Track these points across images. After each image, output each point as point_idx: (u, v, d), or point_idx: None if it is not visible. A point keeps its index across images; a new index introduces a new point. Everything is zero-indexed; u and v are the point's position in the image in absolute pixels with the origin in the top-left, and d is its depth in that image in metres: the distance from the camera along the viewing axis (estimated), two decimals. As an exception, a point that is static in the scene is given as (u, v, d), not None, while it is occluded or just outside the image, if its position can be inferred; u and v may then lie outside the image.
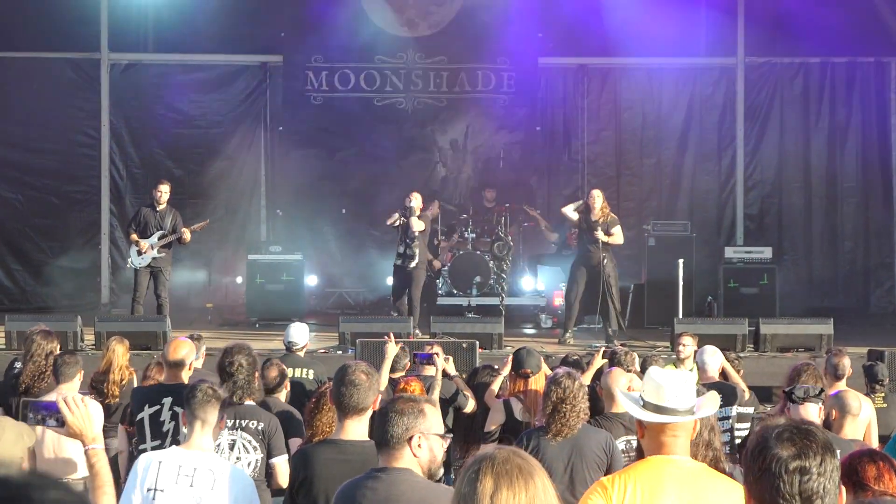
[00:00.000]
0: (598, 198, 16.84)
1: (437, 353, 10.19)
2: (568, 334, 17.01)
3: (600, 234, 16.59)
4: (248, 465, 7.65)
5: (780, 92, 22.12)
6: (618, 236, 16.80)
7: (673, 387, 4.88)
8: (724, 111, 22.20)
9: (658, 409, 4.86)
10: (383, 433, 4.96)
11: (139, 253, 16.90)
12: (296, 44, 21.85)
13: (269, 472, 7.76)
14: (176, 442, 7.42)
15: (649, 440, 4.91)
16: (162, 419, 7.85)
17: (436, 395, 9.35)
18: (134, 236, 17.05)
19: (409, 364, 11.11)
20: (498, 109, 21.98)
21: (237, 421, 7.72)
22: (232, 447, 7.68)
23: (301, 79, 21.87)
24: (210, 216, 21.49)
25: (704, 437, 5.71)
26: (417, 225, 17.07)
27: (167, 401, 7.86)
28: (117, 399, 10.39)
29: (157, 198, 17.07)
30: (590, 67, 22.31)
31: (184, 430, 7.58)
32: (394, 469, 4.93)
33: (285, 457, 7.70)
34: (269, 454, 7.74)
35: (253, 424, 7.75)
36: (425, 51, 21.90)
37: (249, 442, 7.71)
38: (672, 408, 4.85)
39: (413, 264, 17.15)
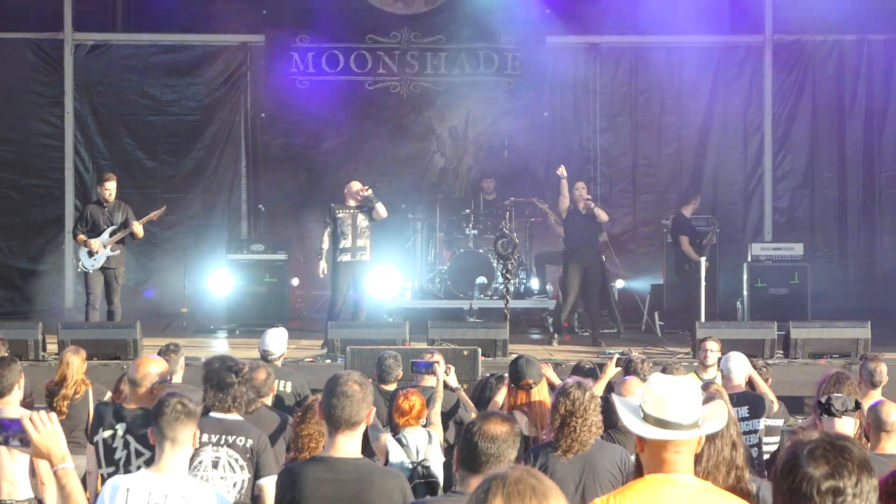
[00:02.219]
0: (584, 188, 18.05)
1: (437, 362, 10.18)
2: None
3: (602, 214, 17.80)
4: (234, 485, 7.61)
5: (811, 73, 22.11)
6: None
7: (676, 398, 4.81)
8: (750, 94, 22.18)
9: (660, 423, 4.78)
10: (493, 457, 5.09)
11: (90, 254, 16.94)
12: (280, 22, 21.85)
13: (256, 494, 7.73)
14: (129, 472, 7.39)
15: (649, 456, 4.83)
16: (114, 446, 7.78)
17: (437, 409, 9.34)
18: (82, 237, 17.09)
19: (401, 374, 11.12)
20: (502, 94, 21.98)
21: (223, 437, 7.68)
22: (216, 465, 7.63)
23: (285, 60, 21.86)
24: (186, 212, 21.60)
25: (726, 455, 5.64)
26: (383, 210, 17.22)
27: (120, 427, 7.76)
28: (65, 416, 10.34)
29: (105, 196, 17.15)
30: (602, 47, 22.31)
31: (136, 461, 7.53)
32: None
33: (274, 477, 7.65)
34: (257, 474, 7.68)
35: (240, 441, 7.69)
36: (421, 29, 21.89)
37: (236, 460, 7.65)
38: (675, 422, 4.77)
39: (366, 257, 17.32)
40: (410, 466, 8.44)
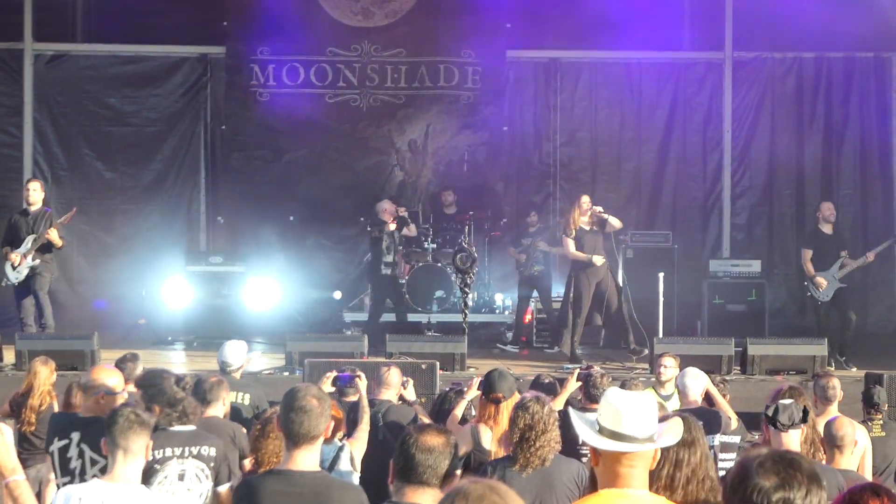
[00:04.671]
0: (588, 202, 17.59)
1: (359, 376, 10.01)
2: (578, 349, 17.36)
3: (615, 221, 17.37)
4: (200, 495, 7.62)
5: (770, 90, 22.21)
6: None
7: (632, 412, 4.81)
8: (709, 111, 22.26)
9: (615, 436, 4.78)
10: (429, 469, 5.10)
11: (13, 267, 16.51)
12: (240, 34, 21.79)
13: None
14: (85, 481, 7.38)
15: (604, 470, 4.82)
16: (69, 455, 7.77)
17: (364, 425, 9.04)
18: (6, 249, 16.67)
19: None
20: (461, 107, 21.97)
21: (186, 448, 7.67)
22: (182, 478, 7.61)
23: (246, 73, 21.81)
24: (144, 223, 21.50)
25: (705, 465, 5.64)
26: (412, 231, 18.96)
27: (75, 436, 7.72)
28: (33, 427, 10.32)
29: (27, 198, 16.75)
30: (563, 61, 22.36)
31: (91, 469, 7.53)
32: None
33: (229, 485, 7.67)
34: (218, 482, 7.71)
35: (205, 450, 7.71)
36: (382, 42, 21.87)
37: (202, 470, 7.65)
38: (630, 435, 4.77)
39: (397, 271, 18.54)
40: None
